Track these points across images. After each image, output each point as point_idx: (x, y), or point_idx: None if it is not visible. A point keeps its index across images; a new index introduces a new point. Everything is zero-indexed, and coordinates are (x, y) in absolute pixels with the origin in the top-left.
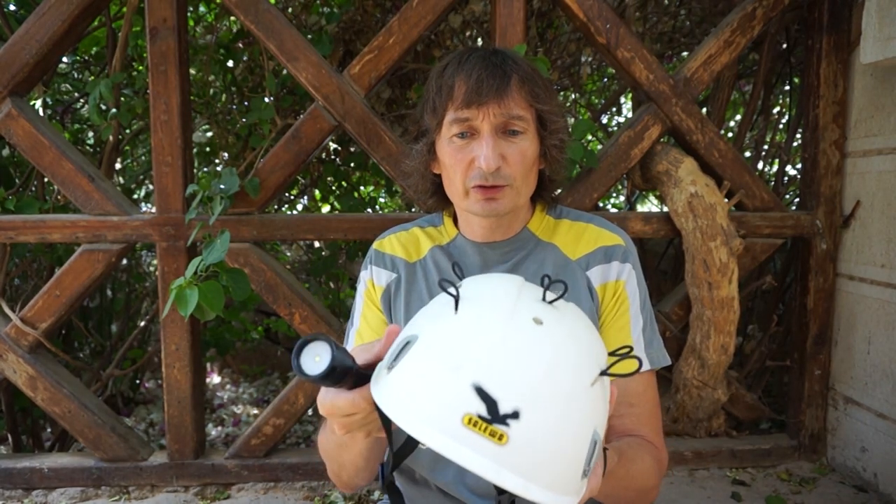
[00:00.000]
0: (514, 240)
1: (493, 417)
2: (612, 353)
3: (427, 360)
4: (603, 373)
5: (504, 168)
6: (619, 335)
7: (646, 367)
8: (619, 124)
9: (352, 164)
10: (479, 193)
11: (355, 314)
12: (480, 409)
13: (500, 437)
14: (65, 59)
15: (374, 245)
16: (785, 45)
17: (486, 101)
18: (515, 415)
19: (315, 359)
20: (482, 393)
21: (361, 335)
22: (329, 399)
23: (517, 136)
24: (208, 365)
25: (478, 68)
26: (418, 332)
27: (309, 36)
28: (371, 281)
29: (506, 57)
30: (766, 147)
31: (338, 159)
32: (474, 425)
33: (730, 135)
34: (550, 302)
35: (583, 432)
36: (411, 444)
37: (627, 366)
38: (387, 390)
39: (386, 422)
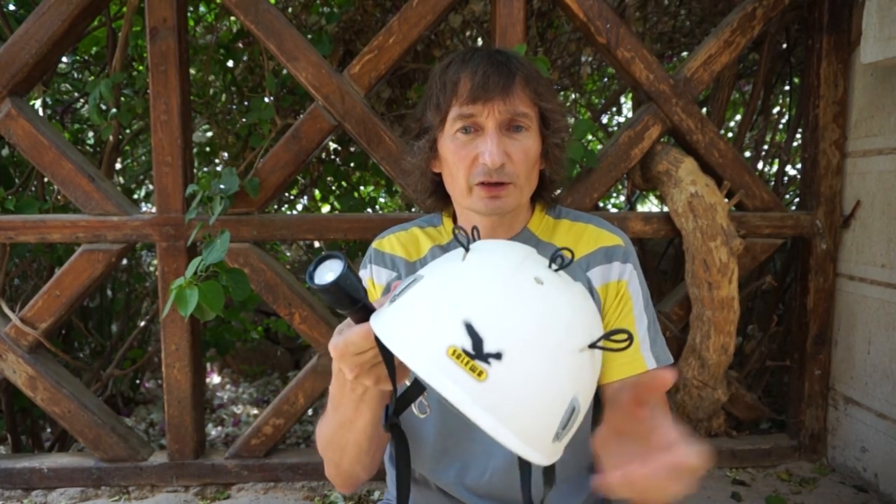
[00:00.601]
0: (514, 239)
1: (477, 354)
2: (607, 336)
3: (426, 294)
4: (593, 345)
5: (508, 165)
6: None
7: (652, 365)
8: (619, 124)
9: (352, 164)
10: (482, 191)
11: None
12: (466, 343)
13: (480, 374)
14: (65, 59)
15: (374, 245)
16: (785, 45)
17: (492, 98)
18: (498, 356)
19: (328, 274)
20: (471, 329)
21: None
22: (342, 336)
23: (521, 132)
24: (208, 365)
25: (483, 65)
26: (424, 274)
27: (309, 36)
28: (371, 280)
29: (509, 56)
30: (766, 147)
31: (338, 159)
32: (458, 357)
33: (730, 135)
34: (556, 270)
35: (562, 392)
36: (416, 389)
37: (620, 345)
38: (385, 318)
39: (388, 358)
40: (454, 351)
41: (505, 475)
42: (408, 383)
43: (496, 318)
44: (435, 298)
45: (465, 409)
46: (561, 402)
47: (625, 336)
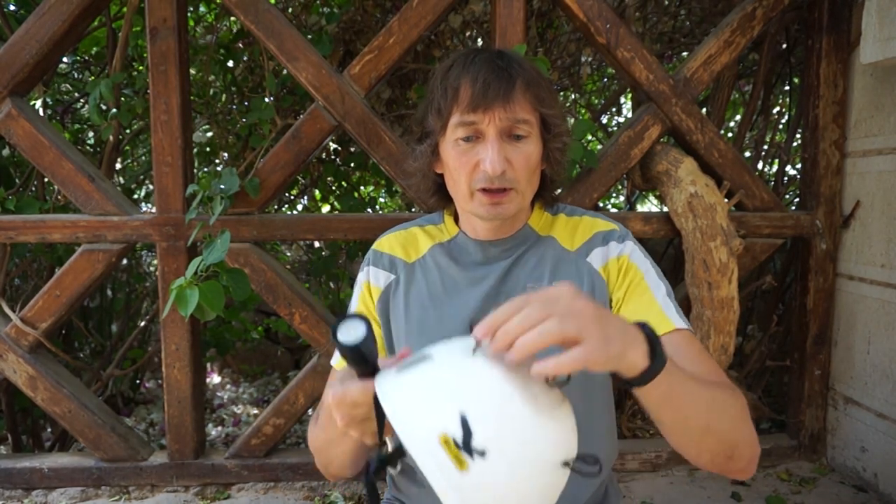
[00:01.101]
0: (514, 236)
1: (464, 446)
2: (580, 459)
3: (433, 377)
4: (566, 464)
5: (509, 171)
6: (641, 300)
7: (680, 325)
8: (619, 124)
9: (352, 164)
10: (484, 197)
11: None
12: (457, 434)
13: (462, 464)
14: (65, 59)
15: (373, 246)
16: (785, 45)
17: (492, 105)
18: (482, 453)
19: (351, 333)
20: (465, 423)
21: None
22: (343, 387)
23: (522, 140)
24: (208, 365)
25: (483, 71)
26: (434, 356)
27: (309, 36)
28: (367, 283)
29: (511, 60)
30: (766, 147)
31: (338, 159)
32: (446, 444)
33: (730, 135)
34: (556, 385)
35: (528, 499)
36: (398, 454)
37: (591, 469)
38: (390, 386)
39: (380, 418)
40: (445, 438)
41: None
42: (389, 445)
43: (489, 422)
44: (441, 384)
45: (439, 490)
46: None
47: (597, 467)
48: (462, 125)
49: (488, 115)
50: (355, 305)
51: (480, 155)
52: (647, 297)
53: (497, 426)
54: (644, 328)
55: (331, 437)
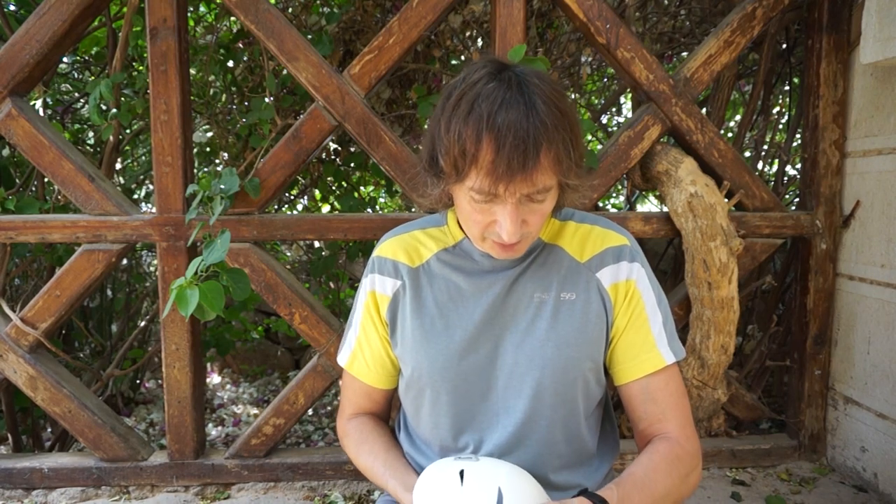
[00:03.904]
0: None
1: None
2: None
3: None
4: None
5: (524, 228)
6: (638, 334)
7: (670, 360)
8: (619, 124)
9: (352, 164)
10: (497, 246)
11: (355, 318)
12: None
13: None
14: (65, 59)
15: (375, 252)
16: (785, 45)
17: (514, 178)
18: None
19: None
20: None
21: (362, 346)
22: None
23: (539, 202)
24: (208, 365)
25: (509, 141)
26: None
27: (309, 36)
28: (373, 292)
29: (538, 121)
30: (766, 147)
31: (338, 159)
32: None
33: (730, 135)
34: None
35: None
36: None
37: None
38: None
39: None
40: None
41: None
42: None
43: None
44: None
45: None
46: None
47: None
48: (480, 191)
49: (510, 187)
50: (360, 312)
51: (497, 217)
52: (644, 331)
53: None
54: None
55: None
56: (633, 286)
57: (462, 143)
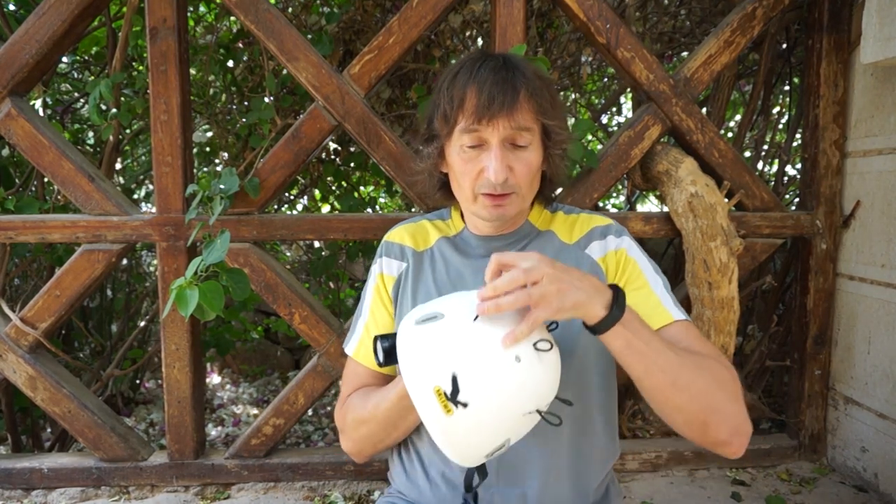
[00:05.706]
0: (516, 232)
1: (452, 398)
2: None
3: (439, 339)
4: (537, 411)
5: (511, 178)
6: (640, 293)
7: (679, 316)
8: (619, 124)
9: (352, 164)
10: (487, 200)
11: (364, 305)
12: (448, 388)
13: (448, 410)
14: (65, 59)
15: (385, 237)
16: (785, 45)
17: (496, 116)
18: (465, 405)
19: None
20: (455, 381)
21: (369, 329)
22: None
23: (523, 148)
24: (208, 365)
25: (489, 82)
26: (446, 314)
27: (309, 36)
28: (381, 274)
29: (516, 69)
30: (766, 147)
31: (338, 159)
32: (438, 394)
33: (730, 135)
34: (539, 348)
35: (501, 438)
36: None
37: (554, 420)
38: (405, 338)
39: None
40: (438, 389)
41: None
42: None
43: (474, 380)
44: (442, 346)
45: (429, 426)
46: (497, 443)
47: (558, 420)
48: (467, 133)
49: (492, 124)
50: (369, 297)
51: (484, 163)
52: (646, 290)
53: (480, 385)
54: (613, 286)
55: (392, 420)
56: (624, 254)
57: (451, 95)
